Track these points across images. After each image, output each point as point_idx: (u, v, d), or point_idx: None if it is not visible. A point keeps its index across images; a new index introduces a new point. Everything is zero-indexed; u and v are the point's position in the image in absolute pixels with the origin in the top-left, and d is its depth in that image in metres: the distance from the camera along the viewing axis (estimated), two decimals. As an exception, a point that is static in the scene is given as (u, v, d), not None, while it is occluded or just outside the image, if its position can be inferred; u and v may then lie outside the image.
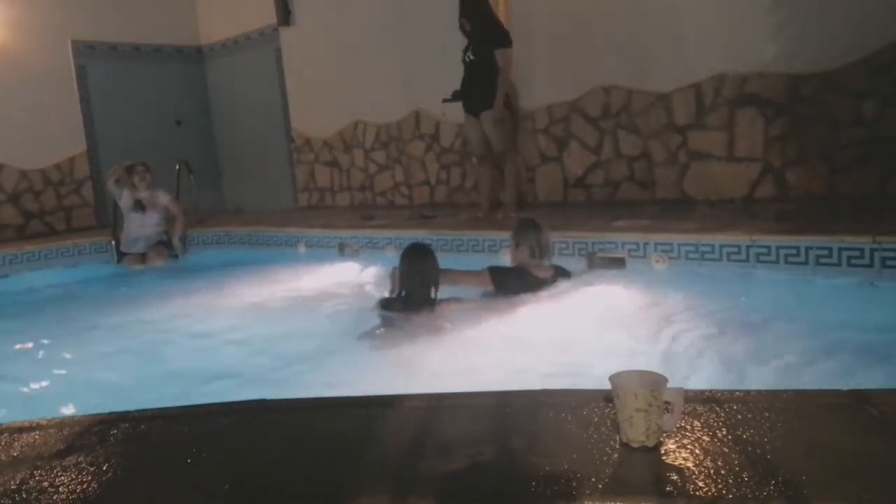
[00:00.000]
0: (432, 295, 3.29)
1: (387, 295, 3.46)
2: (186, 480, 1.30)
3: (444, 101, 5.55)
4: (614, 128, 5.68)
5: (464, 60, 5.31)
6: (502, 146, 5.32)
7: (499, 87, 5.08)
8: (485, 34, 5.12)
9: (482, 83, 5.13)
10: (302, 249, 5.83)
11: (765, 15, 4.78)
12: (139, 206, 6.11)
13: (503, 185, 5.64)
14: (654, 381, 1.30)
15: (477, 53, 5.14)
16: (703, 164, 5.26)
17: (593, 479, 1.17)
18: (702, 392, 1.52)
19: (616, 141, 5.69)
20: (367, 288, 4.25)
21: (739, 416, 1.38)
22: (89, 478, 1.31)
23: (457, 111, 5.69)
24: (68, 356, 3.28)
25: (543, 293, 3.54)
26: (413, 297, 3.28)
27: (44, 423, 1.65)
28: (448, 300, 3.38)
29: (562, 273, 3.80)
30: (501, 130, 5.29)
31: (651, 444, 1.27)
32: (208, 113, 9.16)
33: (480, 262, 4.11)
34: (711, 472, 1.17)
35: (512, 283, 3.54)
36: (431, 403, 1.58)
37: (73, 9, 7.78)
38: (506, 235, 4.00)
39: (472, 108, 5.32)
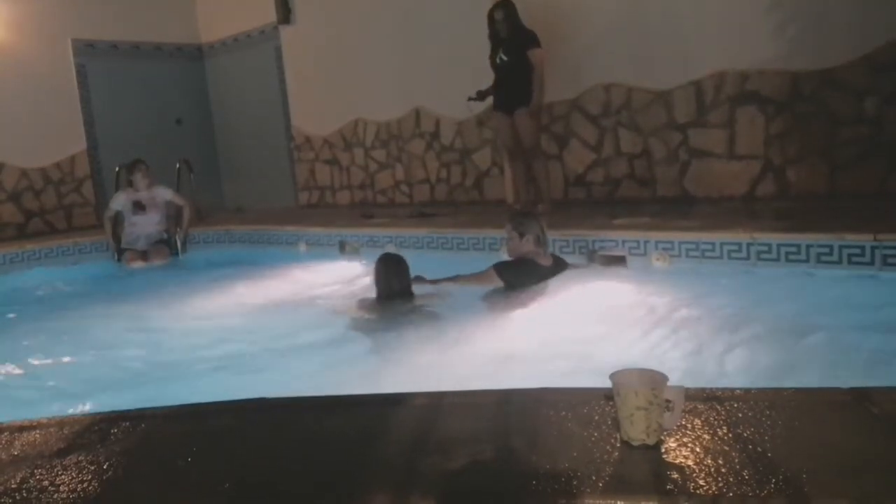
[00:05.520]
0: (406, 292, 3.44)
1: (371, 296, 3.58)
2: (186, 480, 1.30)
3: (470, 99, 5.54)
4: (615, 125, 5.67)
5: (494, 62, 5.34)
6: (533, 141, 5.32)
7: (535, 83, 5.11)
8: (517, 37, 5.18)
9: (519, 82, 5.17)
10: (302, 248, 5.83)
11: (765, 12, 4.77)
12: (138, 206, 6.11)
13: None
14: (654, 380, 1.30)
15: (510, 55, 5.19)
16: (703, 161, 5.26)
17: (594, 478, 1.17)
18: (702, 390, 1.52)
19: (616, 139, 5.69)
20: (368, 286, 4.24)
21: (740, 415, 1.38)
22: (89, 477, 1.31)
23: (477, 108, 5.75)
24: (69, 355, 3.28)
25: (545, 289, 3.54)
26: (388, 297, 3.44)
27: (44, 422, 1.65)
28: (441, 294, 3.43)
29: (560, 262, 3.81)
30: (534, 126, 5.30)
31: (651, 442, 1.27)
32: (208, 111, 9.16)
33: (480, 259, 4.12)
34: (712, 470, 1.17)
35: (520, 276, 3.55)
36: (432, 402, 1.58)
37: (73, 8, 7.77)
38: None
39: (506, 106, 5.32)
